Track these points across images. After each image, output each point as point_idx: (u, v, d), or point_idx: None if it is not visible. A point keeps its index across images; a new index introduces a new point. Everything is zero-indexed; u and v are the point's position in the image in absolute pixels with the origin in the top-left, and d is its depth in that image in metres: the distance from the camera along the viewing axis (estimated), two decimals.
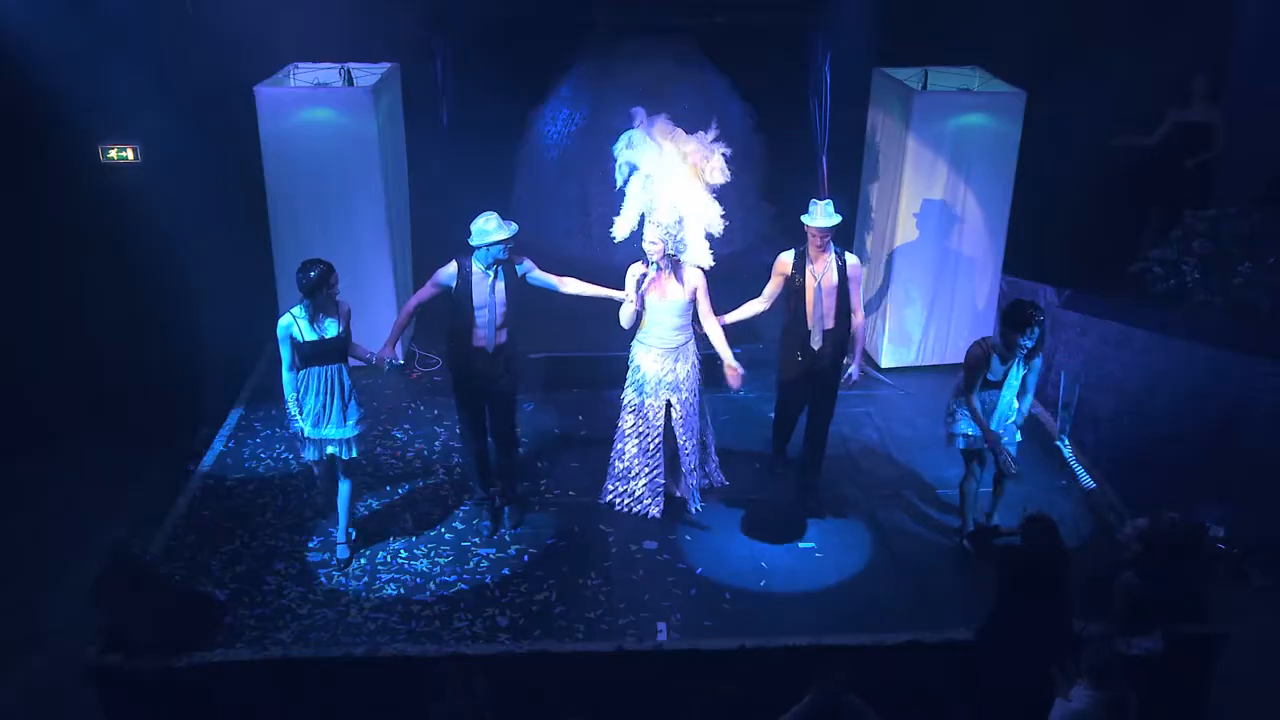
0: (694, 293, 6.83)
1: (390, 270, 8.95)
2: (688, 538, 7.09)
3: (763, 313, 7.19)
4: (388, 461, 7.95)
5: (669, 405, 6.98)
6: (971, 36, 9.37)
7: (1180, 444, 7.76)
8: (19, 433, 8.37)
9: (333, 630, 6.24)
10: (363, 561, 6.84)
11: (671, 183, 6.85)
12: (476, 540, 7.06)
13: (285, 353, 6.37)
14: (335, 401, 6.47)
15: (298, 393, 6.44)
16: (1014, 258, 9.18)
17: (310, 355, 6.36)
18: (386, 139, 8.85)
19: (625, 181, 7.02)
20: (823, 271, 6.84)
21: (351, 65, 8.90)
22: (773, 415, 7.73)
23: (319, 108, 8.51)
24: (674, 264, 6.79)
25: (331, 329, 6.38)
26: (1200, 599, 6.13)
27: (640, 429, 7.08)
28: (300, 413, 6.46)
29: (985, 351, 6.46)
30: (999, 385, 6.54)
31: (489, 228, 6.49)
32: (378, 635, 6.19)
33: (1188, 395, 7.82)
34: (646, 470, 7.17)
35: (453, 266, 6.65)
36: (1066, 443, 6.61)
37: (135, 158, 9.12)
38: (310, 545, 6.96)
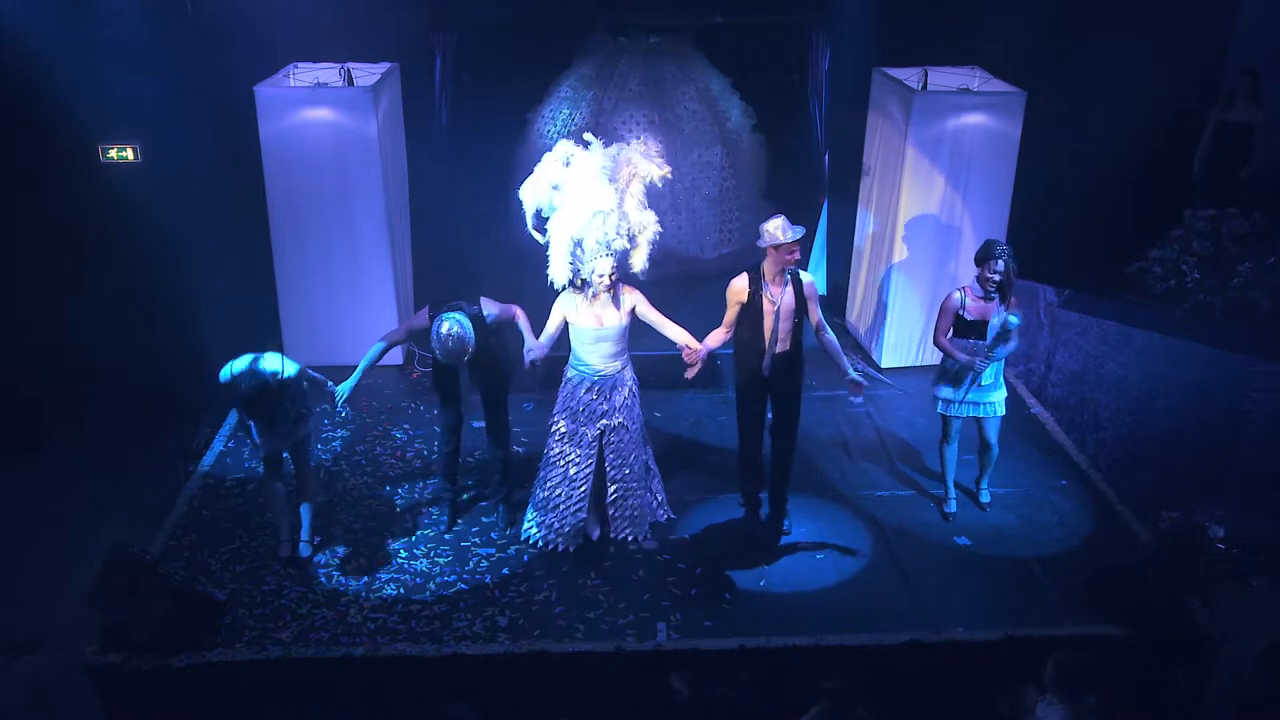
0: (632, 313, 6.58)
1: (390, 270, 8.95)
2: (688, 538, 7.10)
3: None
4: (387, 461, 7.96)
5: (602, 434, 6.75)
6: (971, 36, 9.37)
7: (1180, 444, 7.75)
8: (19, 432, 8.37)
9: (332, 630, 6.23)
10: (362, 561, 6.85)
11: (625, 202, 6.49)
12: (476, 540, 7.06)
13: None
14: (287, 411, 6.55)
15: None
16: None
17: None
18: (386, 139, 8.84)
19: (542, 223, 6.54)
20: (780, 295, 6.52)
21: (351, 65, 8.90)
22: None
23: (319, 108, 8.52)
24: (614, 286, 6.51)
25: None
26: (1200, 600, 6.12)
27: (570, 458, 6.77)
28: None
29: (960, 295, 6.90)
30: (983, 328, 6.85)
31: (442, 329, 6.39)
32: (378, 635, 6.18)
33: (1188, 395, 7.80)
34: (569, 504, 6.82)
35: (424, 317, 6.66)
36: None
37: (135, 158, 9.13)
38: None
